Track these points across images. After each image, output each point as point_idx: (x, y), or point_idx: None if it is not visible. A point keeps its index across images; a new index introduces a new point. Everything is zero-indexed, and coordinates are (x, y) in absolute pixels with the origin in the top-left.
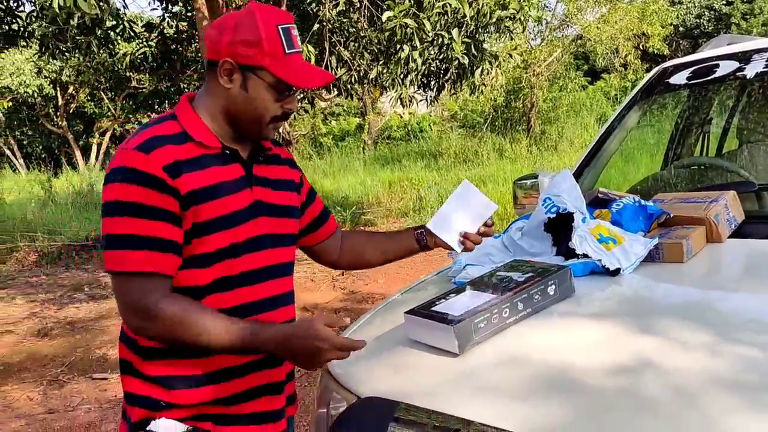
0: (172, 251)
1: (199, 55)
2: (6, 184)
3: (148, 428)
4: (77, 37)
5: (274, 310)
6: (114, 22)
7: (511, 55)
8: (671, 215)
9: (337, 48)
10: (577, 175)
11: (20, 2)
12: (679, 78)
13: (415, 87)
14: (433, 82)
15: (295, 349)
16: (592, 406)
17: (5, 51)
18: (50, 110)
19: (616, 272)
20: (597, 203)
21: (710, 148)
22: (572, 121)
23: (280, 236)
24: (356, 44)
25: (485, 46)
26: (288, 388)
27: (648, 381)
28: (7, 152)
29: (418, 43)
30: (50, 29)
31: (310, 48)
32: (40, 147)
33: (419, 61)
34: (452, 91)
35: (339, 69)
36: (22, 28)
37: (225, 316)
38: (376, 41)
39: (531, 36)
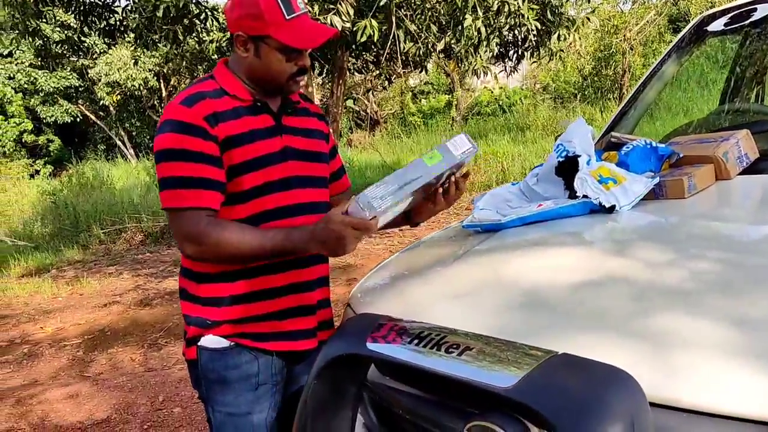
0: (216, 189)
1: None
2: (117, 172)
3: (199, 344)
4: (164, 27)
5: (312, 266)
6: (197, 11)
7: (589, 19)
8: (681, 155)
9: (403, 22)
10: (615, 124)
11: None
12: (717, 25)
13: (490, 57)
14: (511, 52)
15: (322, 237)
16: (557, 315)
17: (112, 48)
18: (155, 101)
19: (611, 209)
20: (610, 147)
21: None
22: (677, 93)
23: (309, 178)
24: (422, 17)
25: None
26: (321, 313)
27: (609, 293)
28: (119, 143)
29: (480, 12)
30: (143, 19)
31: (374, 23)
32: (148, 137)
33: (483, 30)
34: (531, 60)
35: (407, 42)
36: (118, 23)
37: (260, 229)
38: (441, 12)
39: (620, 0)
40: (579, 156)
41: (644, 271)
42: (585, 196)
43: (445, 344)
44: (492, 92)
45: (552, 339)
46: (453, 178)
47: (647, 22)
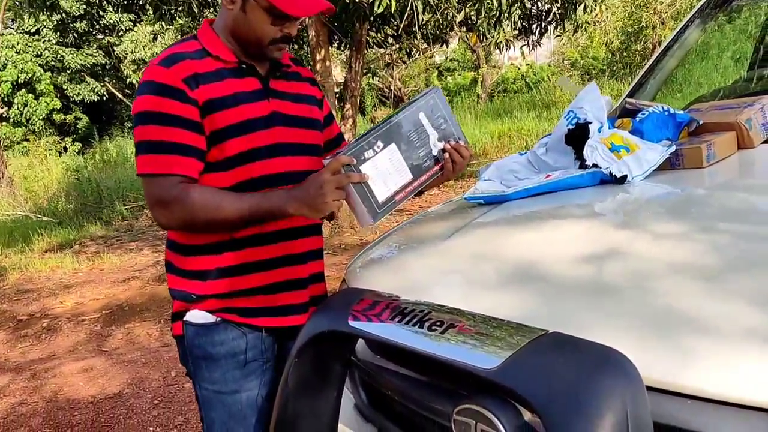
0: (193, 155)
1: None
2: None
3: (184, 318)
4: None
5: (300, 238)
6: None
7: None
8: (701, 122)
9: None
10: (633, 93)
11: None
12: None
13: (513, 30)
14: (534, 25)
15: (300, 193)
16: (557, 292)
17: (138, 25)
18: None
19: (623, 179)
20: (624, 114)
21: None
22: (700, 61)
23: (299, 145)
24: None
25: None
26: (314, 288)
27: (613, 269)
28: None
29: None
30: None
31: None
32: None
33: (504, 1)
34: (556, 34)
35: (425, 14)
36: None
37: (238, 192)
38: None
39: None
40: (590, 123)
41: (656, 247)
42: (595, 166)
43: (429, 321)
44: (519, 69)
45: (549, 318)
46: (448, 145)
47: None
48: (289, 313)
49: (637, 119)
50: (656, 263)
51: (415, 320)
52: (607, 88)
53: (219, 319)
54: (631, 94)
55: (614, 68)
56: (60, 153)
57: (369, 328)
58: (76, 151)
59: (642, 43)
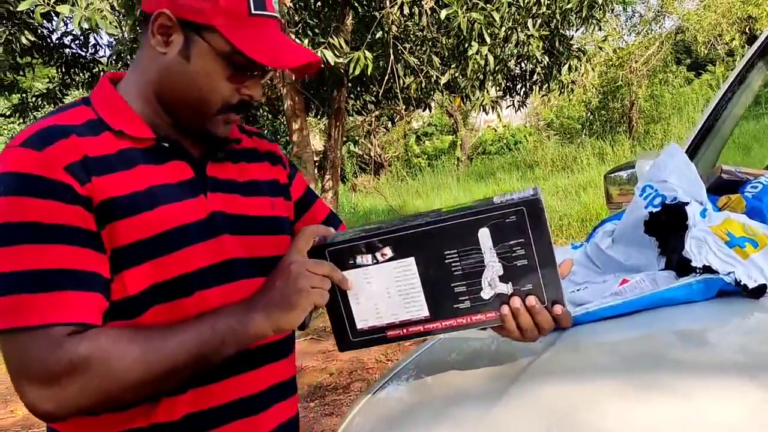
0: (93, 288)
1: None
2: None
3: None
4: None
5: (257, 369)
6: None
7: (601, 48)
8: None
9: (402, 55)
10: (689, 156)
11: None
12: None
13: (497, 91)
14: (519, 85)
15: (272, 291)
16: None
17: None
18: None
19: (762, 291)
20: (721, 188)
21: None
22: (677, 118)
23: (259, 262)
24: (423, 49)
25: (571, 42)
26: None
27: None
28: None
29: (488, 39)
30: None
31: (369, 54)
32: None
33: (491, 60)
34: (540, 93)
35: (407, 77)
36: (102, 73)
37: (169, 324)
38: (444, 43)
39: (624, 32)
40: (686, 204)
41: None
42: (707, 269)
43: None
44: (495, 131)
45: None
46: (517, 300)
47: (652, 53)
48: None
49: (750, 195)
50: None
51: None
52: (588, 146)
53: None
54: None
55: (594, 126)
56: None
57: None
58: None
59: (620, 101)
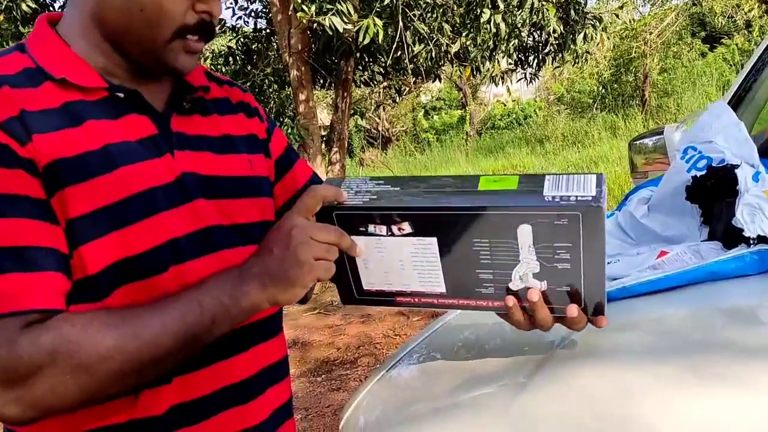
0: (49, 267)
1: (278, 50)
2: None
3: None
4: None
5: (245, 351)
6: None
7: (617, 16)
8: None
9: (412, 23)
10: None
11: None
12: None
13: (509, 63)
14: (531, 57)
15: (269, 260)
16: None
17: None
18: None
19: None
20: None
21: None
22: (692, 92)
23: (240, 228)
24: (433, 15)
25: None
26: None
27: None
28: None
29: (501, 5)
30: None
31: (378, 21)
32: None
33: (503, 27)
34: (554, 64)
35: (416, 46)
36: None
37: (146, 304)
38: (455, 9)
39: (639, 2)
40: (736, 166)
41: None
42: (762, 239)
43: None
44: (505, 105)
45: None
46: (536, 294)
47: (668, 24)
48: None
49: None
50: None
51: None
52: (600, 121)
53: None
54: None
55: (606, 100)
56: None
57: None
58: None
59: (633, 74)
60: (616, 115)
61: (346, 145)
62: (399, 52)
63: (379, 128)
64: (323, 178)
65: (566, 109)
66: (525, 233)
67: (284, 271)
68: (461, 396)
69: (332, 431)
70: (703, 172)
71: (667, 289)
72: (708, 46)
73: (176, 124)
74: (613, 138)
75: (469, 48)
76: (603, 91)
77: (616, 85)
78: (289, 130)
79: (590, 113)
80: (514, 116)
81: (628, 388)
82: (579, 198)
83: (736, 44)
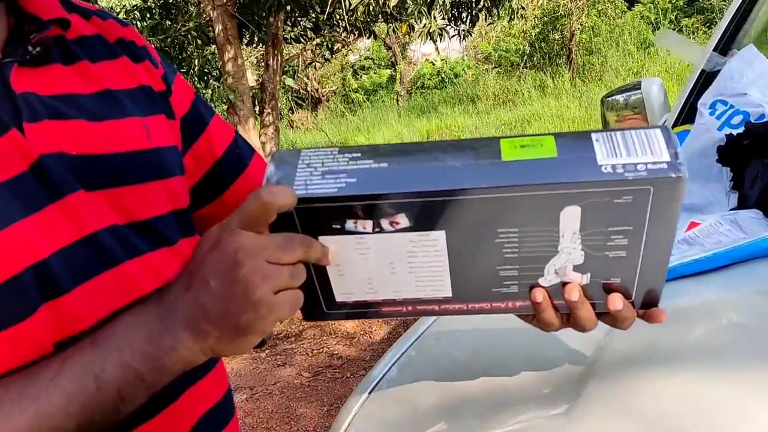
0: None
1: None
2: None
3: None
4: None
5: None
6: None
7: None
8: None
9: None
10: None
11: None
12: None
13: (443, 19)
14: (464, 13)
15: (204, 298)
16: None
17: None
18: None
19: None
20: None
21: None
22: (615, 50)
23: (142, 227)
24: None
25: None
26: None
27: None
28: None
29: None
30: None
31: None
32: None
33: None
34: (488, 20)
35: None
36: None
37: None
38: None
39: None
40: None
41: None
42: None
43: None
44: (433, 64)
45: None
46: (576, 290)
47: None
48: None
49: None
50: None
51: None
52: (529, 80)
53: None
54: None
55: (534, 59)
56: None
57: None
58: None
59: (560, 32)
60: (545, 73)
61: (278, 105)
62: (334, 7)
63: (308, 89)
64: (257, 143)
65: (494, 67)
66: (571, 217)
67: (231, 315)
68: (480, 421)
69: (281, 410)
70: (740, 130)
71: (712, 270)
72: (627, 4)
73: (21, 80)
74: (543, 96)
75: (407, 2)
76: (531, 49)
77: (543, 44)
78: (215, 92)
79: (518, 72)
80: (443, 75)
81: (703, 407)
82: (650, 166)
83: (653, 2)
